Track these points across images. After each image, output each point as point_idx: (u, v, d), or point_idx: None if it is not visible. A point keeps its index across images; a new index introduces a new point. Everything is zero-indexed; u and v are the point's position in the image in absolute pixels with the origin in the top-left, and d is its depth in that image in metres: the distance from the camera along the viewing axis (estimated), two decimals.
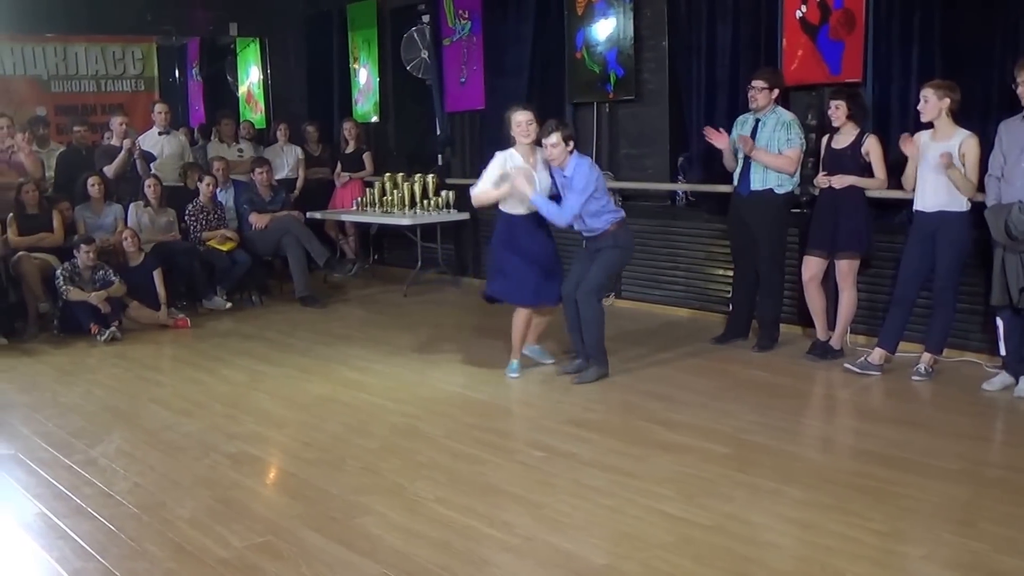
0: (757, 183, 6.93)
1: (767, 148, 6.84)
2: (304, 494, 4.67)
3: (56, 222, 8.71)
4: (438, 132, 10.78)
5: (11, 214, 8.56)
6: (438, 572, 3.80)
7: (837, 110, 6.54)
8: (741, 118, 7.12)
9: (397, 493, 4.63)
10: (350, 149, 10.97)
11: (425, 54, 10.85)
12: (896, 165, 6.49)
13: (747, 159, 6.95)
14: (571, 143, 6.21)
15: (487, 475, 4.85)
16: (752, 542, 4.02)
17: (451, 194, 9.85)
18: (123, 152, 9.26)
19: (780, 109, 6.91)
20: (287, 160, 10.87)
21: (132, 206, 9.15)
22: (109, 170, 9.23)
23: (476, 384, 6.48)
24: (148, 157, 9.51)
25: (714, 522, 4.19)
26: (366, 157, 10.97)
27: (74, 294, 8.09)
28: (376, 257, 11.51)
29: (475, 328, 8.03)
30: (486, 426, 5.62)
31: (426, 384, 6.54)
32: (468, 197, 10.16)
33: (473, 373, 6.76)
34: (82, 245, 8.20)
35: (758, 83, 6.86)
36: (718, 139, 7.21)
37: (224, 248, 9.29)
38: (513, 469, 4.93)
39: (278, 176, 10.35)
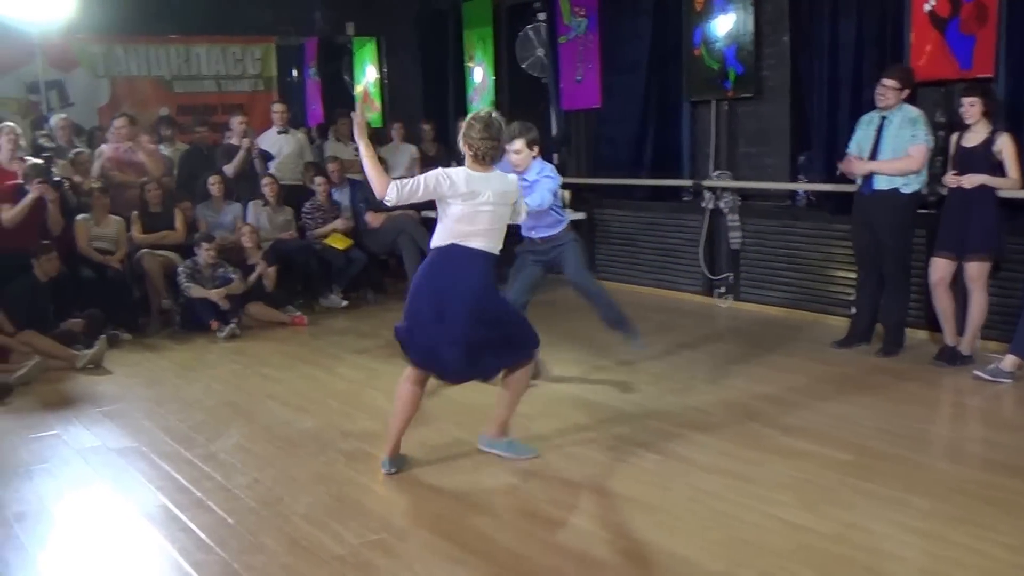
0: (882, 182, 6.70)
1: (893, 147, 6.62)
2: (417, 492, 4.69)
3: (178, 220, 8.95)
4: (554, 131, 10.74)
5: (135, 212, 8.82)
6: (549, 574, 3.76)
7: (972, 107, 6.29)
8: (866, 117, 6.89)
9: (509, 493, 4.61)
10: None
11: (541, 52, 10.82)
12: None
13: (871, 157, 6.73)
14: (535, 148, 6.03)
15: (600, 477, 4.80)
16: (875, 552, 3.88)
17: (567, 193, 9.79)
18: (241, 151, 9.47)
19: (906, 106, 6.66)
20: (402, 159, 10.95)
21: (250, 204, 9.35)
22: (228, 169, 9.45)
23: (589, 385, 6.43)
24: (265, 156, 9.71)
25: (834, 531, 4.06)
26: None
27: (195, 291, 8.30)
28: None
29: (590, 329, 7.96)
30: (599, 427, 5.55)
31: (538, 384, 6.49)
32: (584, 198, 10.24)
33: (585, 374, 6.70)
34: (203, 243, 8.41)
35: (890, 82, 6.61)
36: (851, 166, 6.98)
37: (340, 247, 9.42)
38: (626, 471, 4.86)
39: (393, 175, 10.36)
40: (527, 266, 6.44)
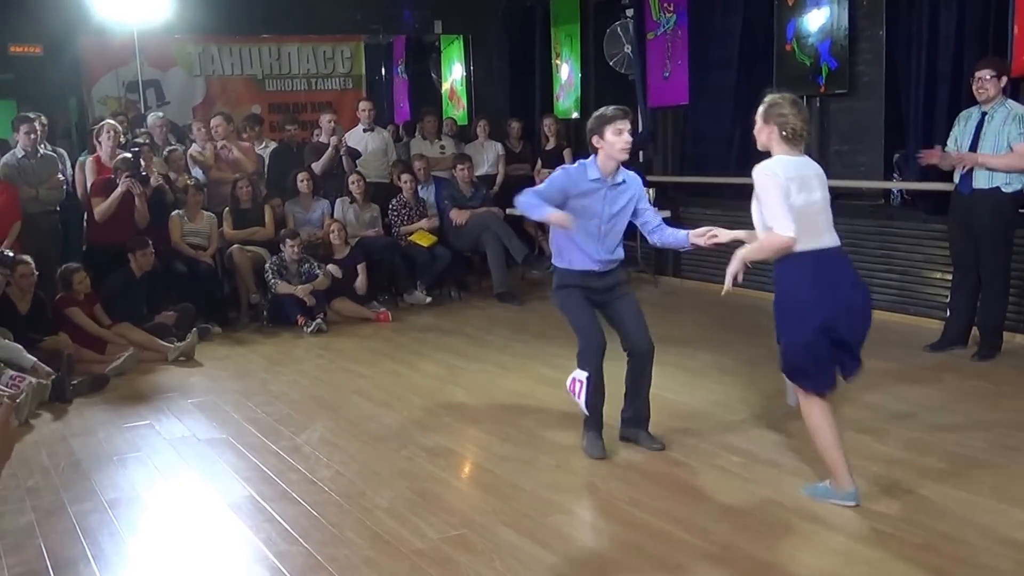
0: (982, 181, 6.48)
1: (995, 144, 6.39)
2: (498, 489, 4.68)
3: (267, 217, 9.09)
4: (640, 128, 10.65)
5: (226, 209, 8.99)
6: (629, 574, 3.73)
7: None
8: (965, 112, 6.67)
9: (591, 493, 4.59)
10: (550, 145, 10.97)
11: (628, 49, 10.73)
12: None
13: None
14: None
15: (684, 479, 4.74)
16: (968, 564, 3.76)
17: (652, 191, 9.71)
18: (330, 149, 9.59)
19: (1010, 102, 6.43)
20: (487, 156, 10.97)
21: (338, 201, 9.47)
22: (317, 166, 9.57)
23: (674, 386, 6.33)
24: (353, 154, 9.81)
25: (925, 540, 3.94)
26: (566, 154, 10.92)
27: (281, 287, 8.42)
28: None
29: (672, 328, 7.88)
30: (684, 428, 5.47)
31: (623, 383, 6.43)
32: (670, 197, 10.11)
33: (671, 374, 6.60)
34: (287, 239, 8.52)
35: (985, 72, 6.38)
36: (932, 157, 6.79)
37: (425, 244, 9.48)
38: (711, 474, 4.79)
39: (478, 172, 10.46)
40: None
